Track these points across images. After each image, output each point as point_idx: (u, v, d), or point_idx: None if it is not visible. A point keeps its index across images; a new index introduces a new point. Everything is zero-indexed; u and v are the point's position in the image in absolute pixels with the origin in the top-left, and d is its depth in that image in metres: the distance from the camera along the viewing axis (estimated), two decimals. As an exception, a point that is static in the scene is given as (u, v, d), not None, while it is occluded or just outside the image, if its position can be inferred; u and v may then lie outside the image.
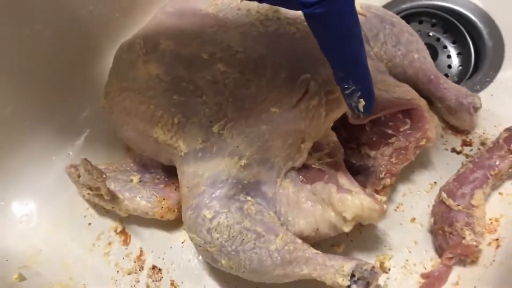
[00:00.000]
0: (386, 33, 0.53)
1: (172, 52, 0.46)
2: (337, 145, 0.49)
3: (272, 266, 0.43)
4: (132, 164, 0.59)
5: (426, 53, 0.56)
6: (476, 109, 0.55)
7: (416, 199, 0.54)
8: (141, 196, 0.54)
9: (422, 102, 0.51)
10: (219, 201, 0.44)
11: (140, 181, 0.56)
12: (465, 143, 0.57)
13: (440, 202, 0.52)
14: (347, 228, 0.45)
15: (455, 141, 0.57)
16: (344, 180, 0.46)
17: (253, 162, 0.45)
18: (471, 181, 0.51)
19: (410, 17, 0.68)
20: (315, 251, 0.44)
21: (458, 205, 0.50)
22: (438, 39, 0.67)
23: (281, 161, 0.46)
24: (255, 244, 0.43)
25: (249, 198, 0.46)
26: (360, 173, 0.53)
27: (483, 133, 0.57)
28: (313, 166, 0.48)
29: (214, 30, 0.45)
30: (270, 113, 0.43)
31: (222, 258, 0.45)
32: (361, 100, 0.39)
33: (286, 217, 0.46)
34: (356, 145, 0.53)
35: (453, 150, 0.57)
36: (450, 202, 0.51)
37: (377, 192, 0.51)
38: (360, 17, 0.48)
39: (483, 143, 0.57)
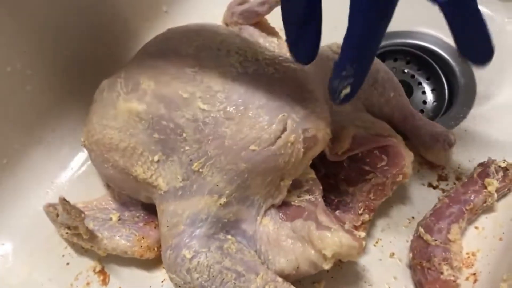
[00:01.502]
0: None
1: (152, 91, 0.46)
2: (315, 182, 0.49)
3: None
4: (111, 202, 0.58)
5: (401, 91, 0.57)
6: (451, 145, 0.56)
7: (394, 234, 0.55)
8: (120, 235, 0.53)
9: (398, 139, 0.52)
10: (199, 241, 0.44)
11: (119, 220, 0.56)
12: (441, 178, 0.58)
13: (418, 237, 0.52)
14: (327, 266, 0.45)
15: (431, 176, 0.58)
16: (323, 217, 0.47)
17: (233, 200, 0.45)
18: (447, 215, 0.52)
19: (385, 55, 0.69)
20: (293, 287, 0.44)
21: (436, 240, 0.51)
22: (413, 76, 0.68)
23: (260, 198, 0.46)
24: (235, 283, 0.43)
25: (229, 236, 0.46)
26: (339, 209, 0.53)
27: (458, 168, 0.58)
28: (292, 203, 0.49)
29: (194, 70, 0.45)
30: (249, 151, 0.44)
31: None
32: (348, 87, 0.38)
33: (266, 256, 0.46)
34: (335, 181, 0.54)
35: (430, 185, 0.58)
36: (427, 237, 0.51)
37: (356, 228, 0.52)
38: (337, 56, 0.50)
39: (458, 178, 0.58)
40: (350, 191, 0.53)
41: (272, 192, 0.47)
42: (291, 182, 0.48)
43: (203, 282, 0.43)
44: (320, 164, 0.54)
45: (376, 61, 0.57)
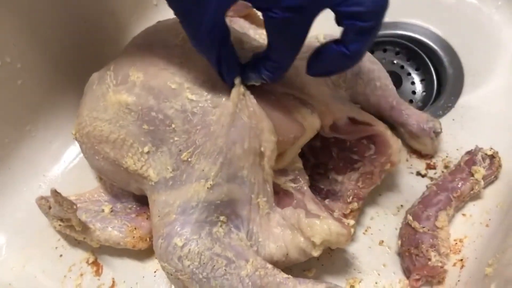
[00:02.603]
0: None
1: (141, 83, 0.46)
2: (301, 173, 0.50)
3: None
4: (103, 194, 0.59)
5: (388, 80, 0.57)
6: (437, 133, 0.57)
7: (383, 222, 0.56)
8: (112, 226, 0.54)
9: (383, 127, 0.52)
10: (190, 228, 0.44)
11: (111, 211, 0.56)
12: (429, 167, 0.59)
13: (406, 224, 0.53)
14: (316, 253, 0.46)
15: (420, 165, 0.59)
16: (312, 205, 0.47)
17: (221, 181, 0.44)
18: (435, 203, 0.53)
19: (374, 46, 0.70)
20: (285, 275, 0.44)
21: (423, 227, 0.51)
22: (402, 67, 0.69)
23: (249, 174, 0.45)
24: (225, 270, 0.43)
25: (222, 217, 0.45)
26: (328, 197, 0.54)
27: (446, 157, 0.59)
28: (281, 186, 0.48)
29: (181, 61, 0.46)
30: (221, 127, 0.44)
31: (193, 285, 0.44)
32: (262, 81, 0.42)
33: (257, 238, 0.46)
34: (324, 171, 0.54)
35: (418, 173, 0.58)
36: (415, 224, 0.52)
37: (345, 216, 0.52)
38: None
39: (446, 166, 0.58)
40: (339, 180, 0.53)
41: (257, 161, 0.45)
42: (275, 156, 0.46)
43: (194, 269, 0.44)
44: (310, 153, 0.55)
45: None
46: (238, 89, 0.43)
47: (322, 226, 0.45)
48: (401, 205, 0.56)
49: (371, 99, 0.56)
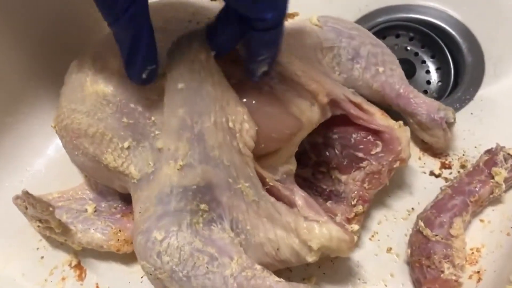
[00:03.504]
0: (341, 46, 0.51)
1: (119, 71, 0.43)
2: (290, 178, 0.46)
3: None
4: (88, 192, 0.55)
5: (394, 64, 0.52)
6: (450, 124, 0.52)
7: (392, 227, 0.52)
8: (95, 228, 0.51)
9: (388, 120, 0.48)
10: (169, 219, 0.42)
11: (95, 211, 0.53)
12: (444, 166, 0.55)
13: (417, 231, 0.49)
14: (311, 259, 0.42)
15: (434, 164, 0.55)
16: (307, 211, 0.43)
17: (192, 161, 0.41)
18: (449, 208, 0.48)
19: (386, 30, 0.66)
20: (277, 278, 0.41)
21: (436, 235, 0.47)
22: (416, 54, 0.65)
23: (222, 154, 0.41)
24: (207, 268, 0.41)
25: (202, 205, 0.42)
26: (330, 199, 0.50)
27: (463, 155, 0.55)
28: (267, 181, 0.44)
29: (161, 45, 0.42)
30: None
31: (173, 285, 0.42)
32: (266, 65, 0.40)
33: (244, 225, 0.43)
34: (327, 169, 0.51)
35: (432, 173, 0.54)
36: (427, 232, 0.47)
37: (349, 220, 0.49)
38: (316, 28, 0.49)
39: (463, 166, 0.54)
40: (342, 180, 0.50)
41: (229, 140, 0.41)
42: (254, 139, 0.42)
43: (174, 267, 0.41)
44: (311, 150, 0.51)
45: (363, 35, 0.53)
46: (200, 52, 0.40)
47: (322, 230, 0.41)
48: (412, 208, 0.52)
49: (373, 85, 0.52)
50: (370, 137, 0.48)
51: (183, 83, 0.40)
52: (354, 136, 0.49)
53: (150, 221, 0.42)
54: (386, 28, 0.65)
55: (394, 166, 0.48)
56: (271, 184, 0.43)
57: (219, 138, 0.41)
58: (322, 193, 0.51)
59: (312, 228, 0.41)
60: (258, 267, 0.42)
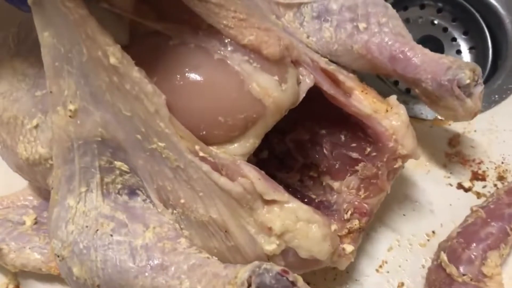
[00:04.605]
0: (302, 2, 0.44)
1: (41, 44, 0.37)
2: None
3: (134, 272, 0.35)
4: (31, 198, 0.49)
5: (385, 17, 0.42)
6: (465, 87, 0.40)
7: (405, 256, 0.45)
8: (31, 247, 0.45)
9: (375, 105, 0.40)
10: (77, 178, 0.37)
11: (35, 223, 0.47)
12: (477, 177, 0.47)
13: (438, 266, 0.41)
14: (269, 246, 0.35)
15: (463, 173, 0.47)
16: (267, 180, 0.36)
17: (85, 104, 0.35)
18: (483, 238, 0.41)
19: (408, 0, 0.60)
20: (206, 255, 0.36)
21: (464, 275, 0.39)
22: (445, 29, 0.59)
23: (117, 100, 0.34)
24: (111, 237, 0.36)
25: (117, 163, 0.37)
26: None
27: (502, 163, 0.48)
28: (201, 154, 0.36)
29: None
30: None
31: (73, 264, 0.37)
32: None
33: (176, 197, 0.36)
34: (317, 174, 0.45)
35: (460, 186, 0.47)
36: (452, 269, 0.39)
37: (340, 239, 0.41)
38: None
39: (501, 178, 0.47)
40: (335, 187, 0.43)
41: (119, 88, 0.34)
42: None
43: (76, 237, 0.36)
44: (296, 150, 0.45)
45: None
46: None
47: (285, 209, 0.35)
48: (433, 232, 0.45)
49: (353, 48, 0.42)
50: (360, 132, 0.41)
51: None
52: (344, 132, 0.43)
53: (61, 186, 0.38)
54: None
55: (395, 166, 0.41)
56: (201, 154, 0.35)
57: (105, 80, 0.34)
58: (310, 204, 0.43)
59: (272, 207, 0.35)
60: (183, 240, 0.36)
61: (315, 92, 0.40)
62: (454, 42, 0.58)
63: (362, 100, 0.41)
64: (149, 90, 0.34)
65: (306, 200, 0.44)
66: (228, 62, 0.36)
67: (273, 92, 0.36)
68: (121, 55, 0.34)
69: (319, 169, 0.44)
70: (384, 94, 0.41)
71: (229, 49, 0.36)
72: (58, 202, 0.38)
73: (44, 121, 0.39)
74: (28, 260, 0.44)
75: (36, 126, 0.40)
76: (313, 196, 0.44)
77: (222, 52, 0.36)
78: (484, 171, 0.47)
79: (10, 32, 0.43)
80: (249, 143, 0.37)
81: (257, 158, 0.46)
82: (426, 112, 0.48)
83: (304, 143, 0.45)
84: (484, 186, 0.47)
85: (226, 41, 0.36)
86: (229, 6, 0.36)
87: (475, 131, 0.48)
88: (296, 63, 0.38)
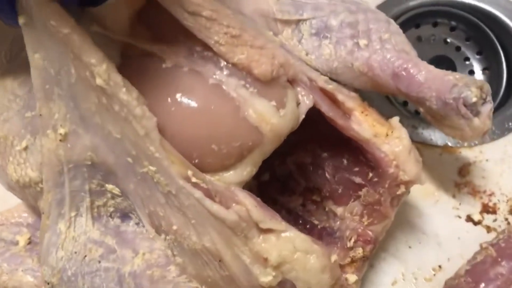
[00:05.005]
0: (301, 19, 0.43)
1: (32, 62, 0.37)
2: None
3: None
4: (26, 215, 0.47)
5: (387, 33, 0.41)
6: (472, 105, 0.38)
7: None
8: (24, 269, 0.43)
9: (375, 129, 0.38)
10: (68, 203, 0.37)
11: (29, 243, 0.45)
12: (487, 209, 0.45)
13: None
14: (265, 278, 0.34)
15: (472, 205, 0.45)
16: (263, 207, 0.35)
17: (75, 127, 0.35)
18: (492, 278, 0.39)
19: (421, 17, 0.57)
20: (196, 284, 0.36)
21: None
22: (458, 48, 0.57)
23: (106, 122, 0.34)
24: (99, 263, 0.35)
25: (109, 186, 0.36)
26: (321, 239, 0.43)
27: None
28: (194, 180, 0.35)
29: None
30: None
31: None
32: None
33: (168, 223, 0.35)
34: (320, 198, 0.44)
35: (469, 218, 0.45)
36: None
37: (343, 268, 0.40)
38: None
39: None
40: (338, 213, 0.42)
41: (108, 109, 0.34)
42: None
43: (65, 264, 0.36)
44: (298, 173, 0.44)
45: (335, 0, 0.43)
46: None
47: (281, 238, 0.34)
48: (439, 266, 0.43)
49: (354, 65, 0.40)
50: (361, 156, 0.39)
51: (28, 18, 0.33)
52: (346, 155, 0.41)
53: (52, 210, 0.37)
54: (421, 14, 0.57)
55: (398, 192, 0.39)
56: (194, 180, 0.33)
57: (93, 99, 0.33)
58: (312, 230, 0.43)
59: (268, 236, 0.34)
60: (174, 268, 0.36)
61: (315, 112, 0.38)
62: (467, 62, 0.56)
63: (362, 123, 0.39)
64: (137, 113, 0.33)
65: (308, 226, 0.43)
66: (223, 87, 0.34)
67: (271, 118, 0.35)
68: (108, 76, 0.33)
69: (322, 193, 0.43)
70: (391, 116, 0.40)
71: (224, 73, 0.35)
72: (49, 227, 0.37)
73: (34, 143, 0.38)
74: (20, 283, 0.43)
75: (26, 148, 0.39)
76: (316, 222, 0.43)
77: (217, 77, 0.35)
78: (495, 204, 0.45)
79: (3, 48, 0.42)
80: (246, 171, 0.36)
81: (258, 181, 0.44)
82: (436, 138, 0.46)
83: (306, 166, 0.44)
84: (495, 220, 0.45)
85: (222, 64, 0.35)
86: (221, 21, 0.35)
87: (487, 160, 0.45)
88: (293, 82, 0.37)
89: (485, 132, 0.39)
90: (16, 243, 0.45)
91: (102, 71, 0.32)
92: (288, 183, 0.44)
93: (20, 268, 0.43)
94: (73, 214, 0.37)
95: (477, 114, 0.38)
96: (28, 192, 0.40)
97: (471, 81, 0.38)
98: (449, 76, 0.38)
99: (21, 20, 0.33)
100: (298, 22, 0.43)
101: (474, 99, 0.38)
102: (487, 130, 0.39)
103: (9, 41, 0.42)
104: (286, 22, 0.43)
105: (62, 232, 0.37)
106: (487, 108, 0.38)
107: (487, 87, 0.38)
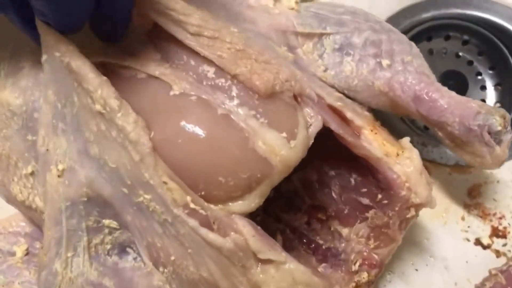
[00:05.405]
0: (325, 33, 0.43)
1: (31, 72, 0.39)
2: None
3: None
4: (23, 224, 0.47)
5: (409, 55, 0.42)
6: (496, 134, 0.39)
7: None
8: (21, 281, 0.43)
9: (385, 148, 0.38)
10: (64, 243, 0.37)
11: (26, 254, 0.45)
12: (496, 233, 0.45)
13: None
14: None
15: (482, 228, 0.45)
16: (262, 236, 0.34)
17: (72, 163, 0.35)
18: None
19: (433, 30, 0.57)
20: None
21: None
22: (470, 63, 0.56)
23: (104, 151, 0.34)
24: None
25: (106, 221, 0.36)
26: (326, 261, 0.42)
27: None
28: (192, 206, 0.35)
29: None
30: None
31: None
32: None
33: (166, 254, 0.35)
34: (325, 217, 0.43)
35: (478, 242, 0.44)
36: None
37: None
38: (292, 12, 0.43)
39: None
40: (343, 234, 0.41)
41: (107, 136, 0.34)
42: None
43: None
44: (304, 191, 0.43)
45: (359, 17, 0.43)
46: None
47: (281, 270, 0.33)
48: None
49: (375, 84, 0.41)
50: (370, 177, 0.39)
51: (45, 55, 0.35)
52: (354, 175, 0.41)
53: (50, 248, 0.38)
54: (433, 27, 0.57)
55: (407, 216, 0.39)
56: (192, 206, 0.33)
57: (93, 127, 0.34)
58: (316, 251, 0.42)
59: (267, 267, 0.33)
60: None
61: (323, 129, 0.38)
62: (479, 77, 0.54)
63: (372, 141, 0.39)
64: (132, 138, 0.33)
65: (313, 245, 0.43)
66: (232, 117, 0.34)
67: (281, 150, 0.34)
68: (104, 101, 0.33)
69: (328, 212, 0.43)
70: (402, 134, 0.40)
71: (235, 102, 0.35)
72: (46, 265, 0.37)
73: (39, 172, 0.38)
74: (16, 297, 0.44)
75: (32, 174, 0.39)
76: (321, 242, 0.42)
77: (226, 106, 0.34)
78: (505, 227, 0.45)
79: (2, 58, 0.41)
80: (254, 203, 0.34)
81: (262, 198, 0.44)
82: (446, 157, 0.45)
83: (312, 183, 0.43)
84: (505, 244, 0.44)
85: (233, 94, 0.35)
86: (224, 38, 0.35)
87: (497, 181, 0.44)
88: (300, 98, 0.36)
89: (503, 161, 0.39)
90: (13, 254, 0.45)
91: (98, 96, 0.33)
92: (293, 200, 0.44)
93: (16, 281, 0.43)
94: (69, 254, 0.37)
95: (499, 142, 0.39)
96: (31, 214, 0.41)
97: (494, 110, 0.39)
98: (472, 103, 0.39)
99: (43, 58, 0.34)
100: (321, 36, 0.43)
101: (499, 128, 0.39)
102: (505, 159, 0.39)
103: (8, 53, 0.41)
104: (308, 36, 0.43)
105: (58, 273, 0.37)
106: (508, 137, 0.39)
107: (508, 117, 0.39)
